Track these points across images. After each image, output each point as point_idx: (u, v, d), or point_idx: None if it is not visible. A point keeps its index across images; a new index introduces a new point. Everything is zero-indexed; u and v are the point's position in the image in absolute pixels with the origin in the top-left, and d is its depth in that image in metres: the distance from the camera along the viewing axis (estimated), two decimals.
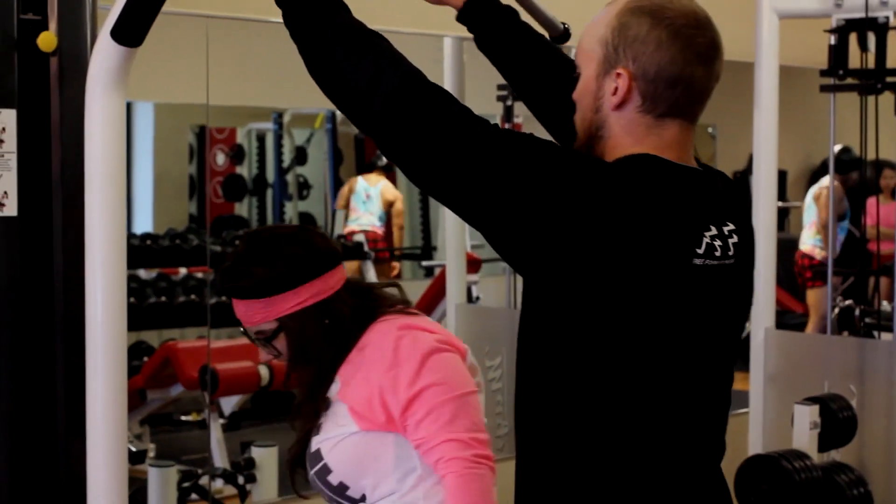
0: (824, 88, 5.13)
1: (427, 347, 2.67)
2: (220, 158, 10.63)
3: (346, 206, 10.42)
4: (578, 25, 4.76)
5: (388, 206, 10.60)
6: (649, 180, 2.10)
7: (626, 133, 2.16)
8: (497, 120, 6.28)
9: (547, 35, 3.21)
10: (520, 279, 7.21)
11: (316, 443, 2.71)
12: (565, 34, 3.35)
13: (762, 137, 5.01)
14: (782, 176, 11.19)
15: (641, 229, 2.05)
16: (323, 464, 2.69)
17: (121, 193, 2.95)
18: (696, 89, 2.16)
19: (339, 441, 2.68)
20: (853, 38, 5.06)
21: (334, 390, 2.72)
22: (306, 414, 2.76)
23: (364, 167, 10.70)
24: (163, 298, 7.87)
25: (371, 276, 9.38)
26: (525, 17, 3.24)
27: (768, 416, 4.98)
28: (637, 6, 2.15)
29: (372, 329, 2.73)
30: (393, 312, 2.77)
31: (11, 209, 3.12)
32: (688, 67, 2.13)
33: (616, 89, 2.14)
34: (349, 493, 2.68)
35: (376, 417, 2.64)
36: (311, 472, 2.72)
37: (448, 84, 5.52)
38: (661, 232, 2.07)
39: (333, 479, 2.68)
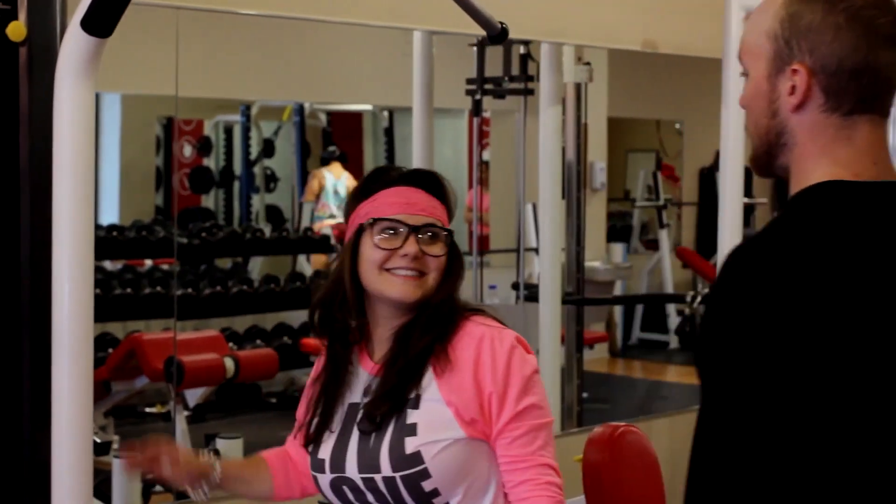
0: None
1: (532, 367, 2.63)
2: (188, 150, 10.62)
3: (315, 200, 10.42)
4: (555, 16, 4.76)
5: None
6: (840, 237, 1.79)
7: (812, 139, 1.87)
8: (463, 118, 6.29)
9: (485, 33, 3.22)
10: (486, 273, 7.16)
11: (413, 445, 2.55)
12: (503, 33, 3.34)
13: (729, 133, 5.03)
14: (748, 173, 11.25)
15: (851, 292, 1.75)
16: (423, 468, 2.53)
17: (89, 184, 2.94)
18: (883, 78, 1.87)
19: (446, 446, 2.55)
20: None
21: (433, 389, 2.59)
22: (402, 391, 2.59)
23: (323, 160, 10.71)
24: (128, 290, 7.86)
25: None
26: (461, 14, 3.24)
27: None
28: None
29: (472, 325, 2.64)
30: (484, 315, 2.71)
31: None
32: (871, 53, 1.84)
33: (793, 88, 1.86)
34: (437, 500, 2.57)
35: (485, 426, 2.57)
36: (394, 474, 2.55)
37: (417, 78, 5.52)
38: (873, 284, 1.77)
39: (428, 484, 2.55)
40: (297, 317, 8.87)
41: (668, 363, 10.93)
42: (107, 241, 8.19)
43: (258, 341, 8.32)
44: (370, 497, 2.58)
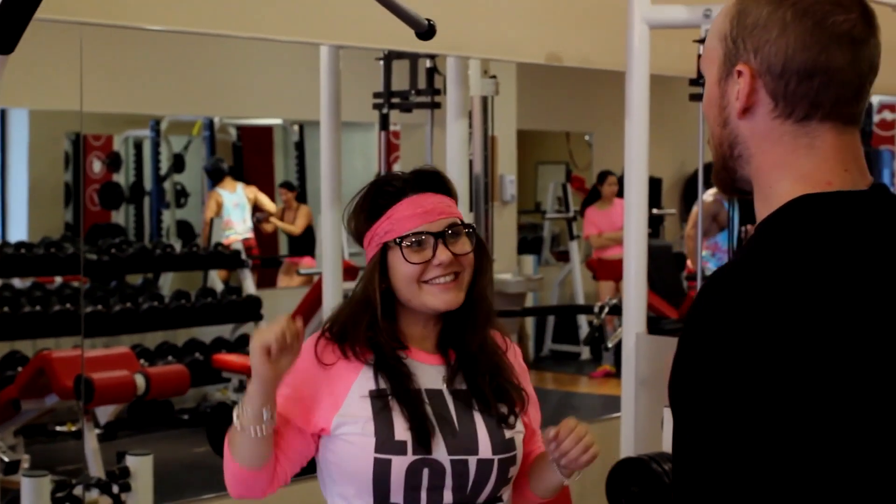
0: (693, 97, 5.23)
1: None
2: (97, 166, 10.56)
3: (216, 217, 10.41)
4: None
5: (254, 207, 10.63)
6: (822, 267, 1.59)
7: (768, 149, 1.68)
8: (374, 131, 6.31)
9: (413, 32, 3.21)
10: None
11: (509, 432, 2.64)
12: (430, 30, 3.34)
13: (633, 145, 5.09)
14: (657, 184, 11.39)
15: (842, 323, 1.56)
16: (514, 454, 2.63)
17: None
18: (840, 81, 1.64)
19: (522, 436, 2.69)
20: None
21: None
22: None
23: (215, 176, 10.70)
24: (37, 308, 7.80)
25: (249, 284, 9.36)
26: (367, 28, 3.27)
27: (640, 419, 5.06)
28: None
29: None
30: None
31: None
32: (824, 53, 1.63)
33: (738, 92, 1.67)
34: (504, 489, 2.64)
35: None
36: (494, 456, 2.59)
37: (324, 92, 5.54)
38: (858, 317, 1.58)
39: (513, 471, 2.64)
40: (209, 332, 8.85)
41: (579, 374, 11.01)
42: (15, 258, 8.13)
43: (169, 357, 8.30)
44: (450, 482, 2.56)
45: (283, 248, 11.42)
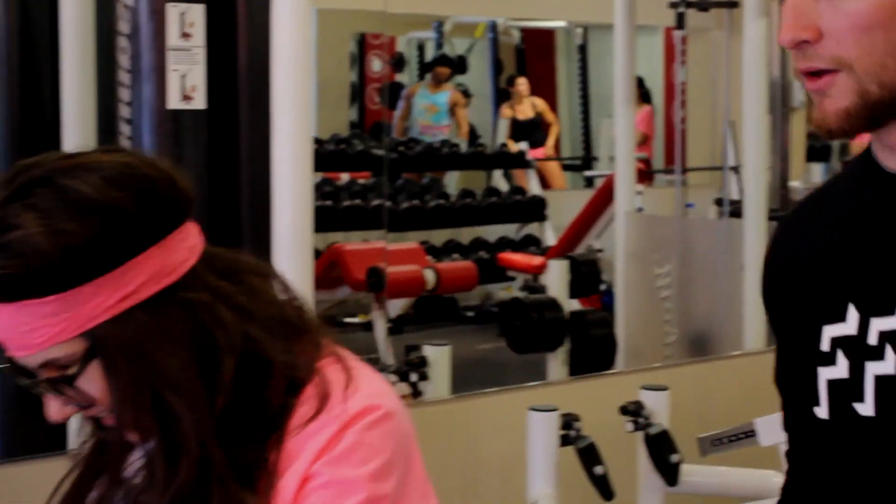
0: None
1: None
2: (377, 65, 10.69)
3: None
4: None
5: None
6: None
7: None
8: (658, 35, 6.21)
9: None
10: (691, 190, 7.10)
11: None
12: None
13: None
14: None
15: None
16: None
17: (306, 90, 2.99)
18: None
19: None
20: None
21: None
22: None
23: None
24: (328, 202, 7.95)
25: (534, 185, 9.36)
26: None
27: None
28: None
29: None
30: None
31: (200, 102, 3.17)
32: None
33: None
34: None
35: None
36: None
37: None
38: None
39: None
40: (493, 231, 8.90)
41: None
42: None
43: (455, 255, 8.38)
44: None
45: None
